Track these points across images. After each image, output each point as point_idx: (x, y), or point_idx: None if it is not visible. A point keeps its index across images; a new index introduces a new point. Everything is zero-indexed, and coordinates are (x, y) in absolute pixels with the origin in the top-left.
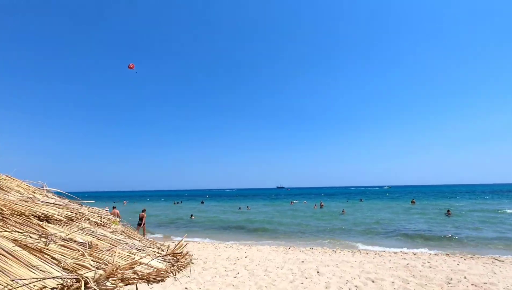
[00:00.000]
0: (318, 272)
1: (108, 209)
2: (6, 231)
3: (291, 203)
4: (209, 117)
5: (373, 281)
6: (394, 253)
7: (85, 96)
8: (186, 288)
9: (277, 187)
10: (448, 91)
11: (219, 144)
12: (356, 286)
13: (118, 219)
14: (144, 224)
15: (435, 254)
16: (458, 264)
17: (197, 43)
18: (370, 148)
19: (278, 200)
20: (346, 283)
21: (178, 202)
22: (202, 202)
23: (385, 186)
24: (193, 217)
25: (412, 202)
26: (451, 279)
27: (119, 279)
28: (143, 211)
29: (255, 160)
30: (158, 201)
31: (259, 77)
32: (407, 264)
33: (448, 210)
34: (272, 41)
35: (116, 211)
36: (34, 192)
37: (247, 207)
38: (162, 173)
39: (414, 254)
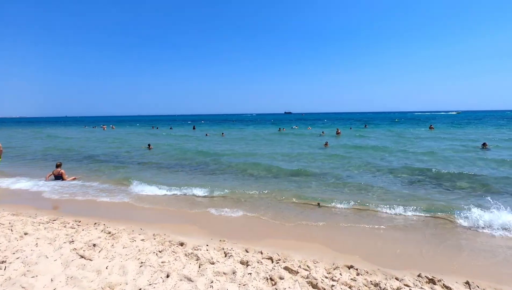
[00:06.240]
0: None
1: None
2: None
3: (279, 129)
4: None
5: None
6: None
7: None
8: None
9: (285, 113)
10: None
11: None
12: None
13: None
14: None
15: None
16: None
17: None
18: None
19: (273, 126)
20: None
21: (156, 127)
22: (194, 128)
23: (452, 111)
24: (151, 148)
25: (430, 128)
26: None
27: None
28: (58, 166)
29: (268, 87)
30: (145, 128)
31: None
32: None
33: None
34: None
35: None
36: None
37: (222, 133)
38: (181, 98)
39: None
